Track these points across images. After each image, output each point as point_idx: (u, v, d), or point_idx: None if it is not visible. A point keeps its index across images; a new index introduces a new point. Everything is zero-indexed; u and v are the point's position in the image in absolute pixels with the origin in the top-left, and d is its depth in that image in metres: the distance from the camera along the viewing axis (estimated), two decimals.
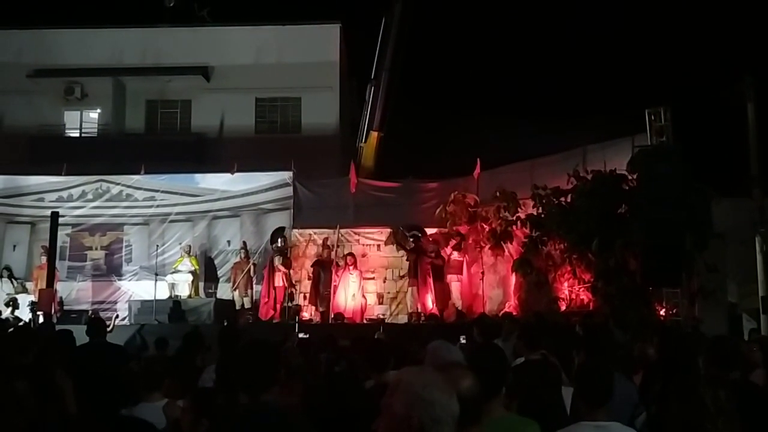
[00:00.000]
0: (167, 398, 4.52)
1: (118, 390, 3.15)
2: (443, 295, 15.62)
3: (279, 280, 15.91)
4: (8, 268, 17.17)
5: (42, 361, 4.79)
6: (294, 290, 16.04)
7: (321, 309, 15.82)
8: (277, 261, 15.92)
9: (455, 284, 15.76)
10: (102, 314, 15.42)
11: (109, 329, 13.36)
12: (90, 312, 15.24)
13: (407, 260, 15.90)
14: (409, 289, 15.70)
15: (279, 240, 16.23)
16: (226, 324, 12.07)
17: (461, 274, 15.88)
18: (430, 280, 15.66)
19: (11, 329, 11.40)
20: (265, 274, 16.04)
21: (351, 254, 16.19)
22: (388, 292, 16.56)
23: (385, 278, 16.68)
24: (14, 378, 2.87)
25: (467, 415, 2.86)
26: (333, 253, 16.34)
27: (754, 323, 14.94)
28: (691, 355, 4.86)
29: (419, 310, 15.47)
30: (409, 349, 5.22)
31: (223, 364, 4.74)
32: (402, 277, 16.17)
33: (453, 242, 15.82)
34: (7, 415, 2.61)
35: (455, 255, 15.84)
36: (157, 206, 17.86)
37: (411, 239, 15.93)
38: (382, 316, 15.64)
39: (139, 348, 11.77)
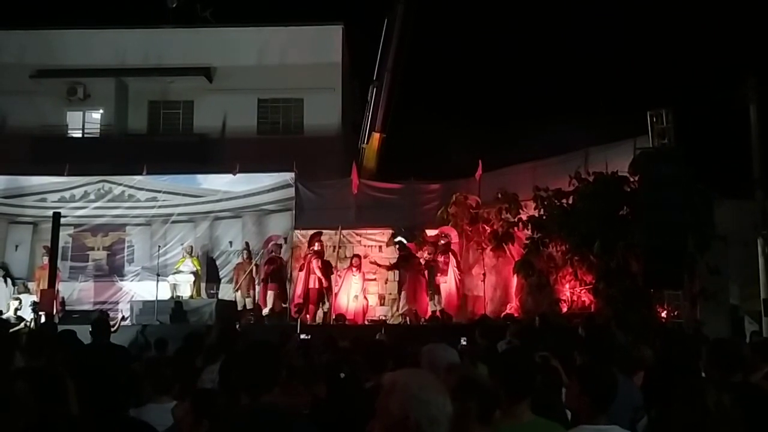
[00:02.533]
0: (175, 400, 4.52)
1: (120, 391, 3.15)
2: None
3: (314, 282, 15.86)
4: (4, 267, 17.20)
5: (49, 362, 4.80)
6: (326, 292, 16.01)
7: (324, 310, 15.84)
8: (315, 263, 15.87)
9: (443, 285, 15.76)
10: (117, 314, 15.59)
11: (114, 329, 13.47)
12: (99, 311, 15.26)
13: (395, 268, 15.90)
14: (402, 292, 15.70)
15: (316, 244, 16.19)
16: (227, 325, 12.05)
17: (446, 275, 15.89)
18: (425, 282, 15.65)
19: (13, 329, 11.47)
20: (303, 275, 15.96)
21: (357, 255, 16.19)
22: (390, 293, 16.57)
23: (387, 279, 16.68)
24: (14, 379, 2.88)
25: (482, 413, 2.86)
26: (335, 255, 16.36)
27: (756, 325, 14.91)
28: (692, 357, 4.86)
29: (416, 312, 15.46)
30: (409, 350, 5.22)
31: (227, 364, 4.74)
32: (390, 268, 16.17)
33: (440, 244, 15.83)
34: (5, 416, 2.62)
35: (440, 257, 15.82)
36: (159, 207, 17.87)
37: (397, 246, 15.93)
38: (383, 318, 15.64)
39: (142, 347, 11.76)
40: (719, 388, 2.63)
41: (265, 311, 15.87)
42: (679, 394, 2.65)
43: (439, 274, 15.66)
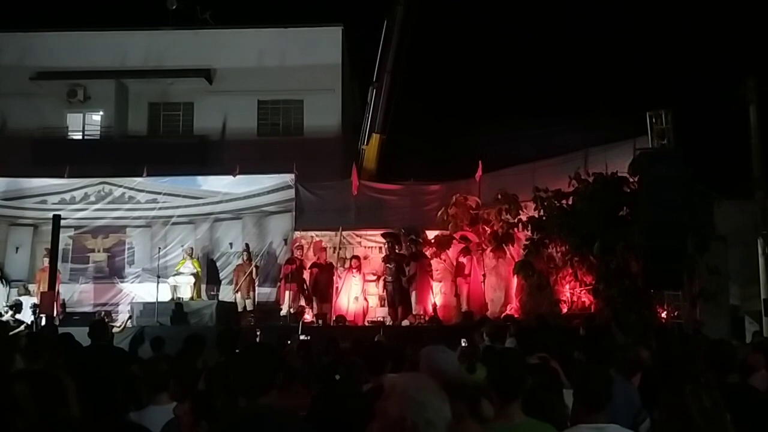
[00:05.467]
0: (174, 400, 4.50)
1: (121, 393, 3.15)
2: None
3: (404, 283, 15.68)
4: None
5: (49, 364, 4.80)
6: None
7: (323, 311, 15.78)
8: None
9: (465, 287, 15.71)
10: (118, 316, 15.54)
11: (120, 329, 13.44)
12: (102, 313, 15.26)
13: (406, 266, 15.87)
14: (413, 292, 15.67)
15: (396, 247, 16.04)
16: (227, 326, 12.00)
17: (469, 276, 15.84)
18: (432, 283, 15.66)
19: (12, 332, 11.47)
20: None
21: (356, 257, 16.17)
22: None
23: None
24: (14, 381, 2.88)
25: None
26: (335, 256, 16.35)
27: (756, 326, 14.92)
28: (689, 358, 4.87)
29: (422, 313, 15.45)
30: (408, 351, 5.23)
31: (216, 367, 4.72)
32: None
33: (461, 246, 15.76)
34: (5, 418, 2.62)
35: (462, 258, 15.76)
36: (160, 208, 17.88)
37: (410, 242, 15.92)
38: (383, 319, 15.63)
39: (138, 341, 11.60)
40: (698, 390, 2.64)
41: (284, 312, 15.73)
42: (663, 398, 2.67)
43: (459, 276, 15.60)
